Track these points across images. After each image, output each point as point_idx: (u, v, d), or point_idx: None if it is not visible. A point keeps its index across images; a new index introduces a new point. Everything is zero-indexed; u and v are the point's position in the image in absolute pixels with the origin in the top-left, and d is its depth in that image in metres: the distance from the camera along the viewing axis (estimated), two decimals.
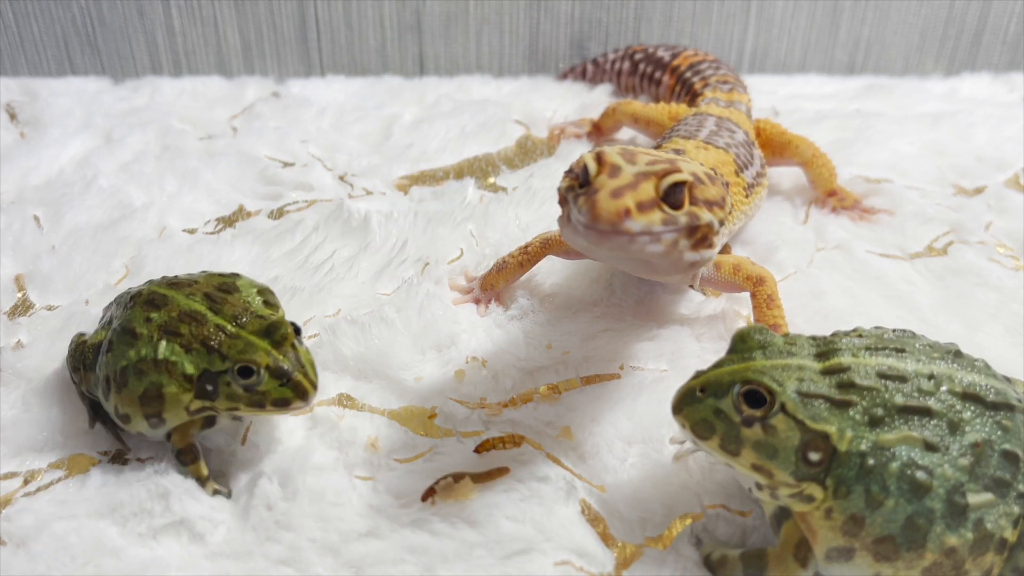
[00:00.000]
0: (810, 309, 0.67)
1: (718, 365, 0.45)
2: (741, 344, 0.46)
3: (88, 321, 0.65)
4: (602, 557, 0.49)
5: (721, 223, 0.52)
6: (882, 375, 0.44)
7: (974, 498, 0.41)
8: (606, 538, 0.50)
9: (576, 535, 0.50)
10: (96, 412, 0.58)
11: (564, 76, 1.12)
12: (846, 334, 0.47)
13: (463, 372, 0.60)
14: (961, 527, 0.41)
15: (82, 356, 0.58)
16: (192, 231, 0.80)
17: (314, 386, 0.51)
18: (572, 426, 0.56)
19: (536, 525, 0.50)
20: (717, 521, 0.51)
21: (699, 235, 0.51)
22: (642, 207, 0.48)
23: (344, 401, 0.59)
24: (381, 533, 0.50)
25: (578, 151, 0.91)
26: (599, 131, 0.94)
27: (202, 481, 0.53)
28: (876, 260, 0.73)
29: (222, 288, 0.55)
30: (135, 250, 0.75)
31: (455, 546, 0.49)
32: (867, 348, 0.45)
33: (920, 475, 0.41)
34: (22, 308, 0.69)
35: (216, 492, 0.53)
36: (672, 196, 0.49)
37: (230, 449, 0.56)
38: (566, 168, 0.53)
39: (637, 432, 0.55)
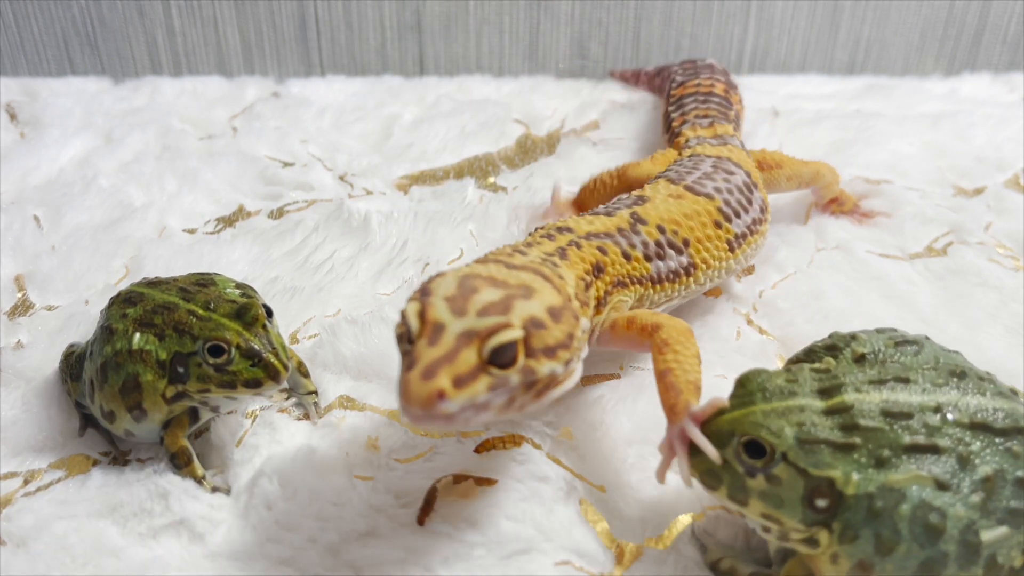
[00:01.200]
0: (810, 309, 0.67)
1: (720, 412, 0.44)
2: (740, 389, 0.45)
3: (88, 321, 0.65)
4: (602, 557, 0.49)
5: (568, 362, 0.46)
6: (886, 412, 0.42)
7: (987, 535, 0.40)
8: (606, 538, 0.50)
9: (576, 535, 0.50)
10: (88, 420, 0.58)
11: (628, 79, 1.10)
12: (850, 339, 0.46)
13: None
14: (973, 565, 0.40)
15: (70, 367, 0.58)
16: (192, 231, 0.80)
17: (285, 367, 0.52)
18: (572, 426, 0.56)
19: (536, 525, 0.50)
20: (717, 522, 0.51)
21: (539, 387, 0.45)
22: (460, 382, 0.42)
23: (344, 402, 0.59)
24: (381, 533, 0.50)
25: (578, 151, 0.91)
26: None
27: (199, 482, 0.53)
28: (876, 260, 0.73)
29: (199, 283, 0.56)
30: (135, 250, 0.75)
31: (455, 546, 0.49)
32: (871, 382, 0.44)
33: (934, 517, 0.39)
34: (22, 308, 0.69)
35: (215, 490, 0.53)
36: (501, 356, 0.43)
37: (230, 449, 0.56)
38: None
39: (637, 432, 0.55)
